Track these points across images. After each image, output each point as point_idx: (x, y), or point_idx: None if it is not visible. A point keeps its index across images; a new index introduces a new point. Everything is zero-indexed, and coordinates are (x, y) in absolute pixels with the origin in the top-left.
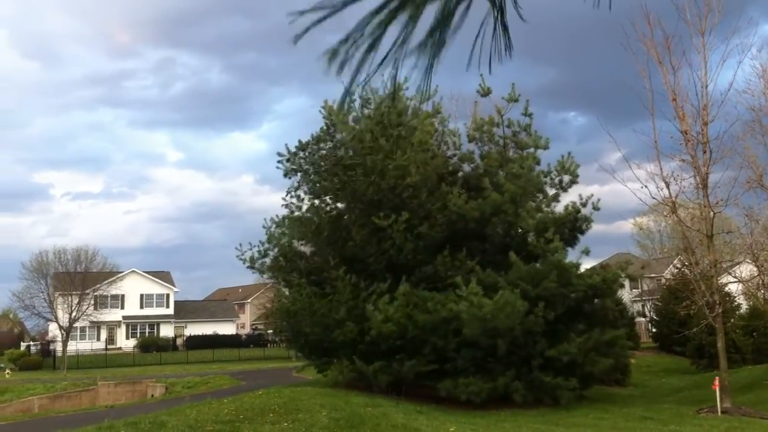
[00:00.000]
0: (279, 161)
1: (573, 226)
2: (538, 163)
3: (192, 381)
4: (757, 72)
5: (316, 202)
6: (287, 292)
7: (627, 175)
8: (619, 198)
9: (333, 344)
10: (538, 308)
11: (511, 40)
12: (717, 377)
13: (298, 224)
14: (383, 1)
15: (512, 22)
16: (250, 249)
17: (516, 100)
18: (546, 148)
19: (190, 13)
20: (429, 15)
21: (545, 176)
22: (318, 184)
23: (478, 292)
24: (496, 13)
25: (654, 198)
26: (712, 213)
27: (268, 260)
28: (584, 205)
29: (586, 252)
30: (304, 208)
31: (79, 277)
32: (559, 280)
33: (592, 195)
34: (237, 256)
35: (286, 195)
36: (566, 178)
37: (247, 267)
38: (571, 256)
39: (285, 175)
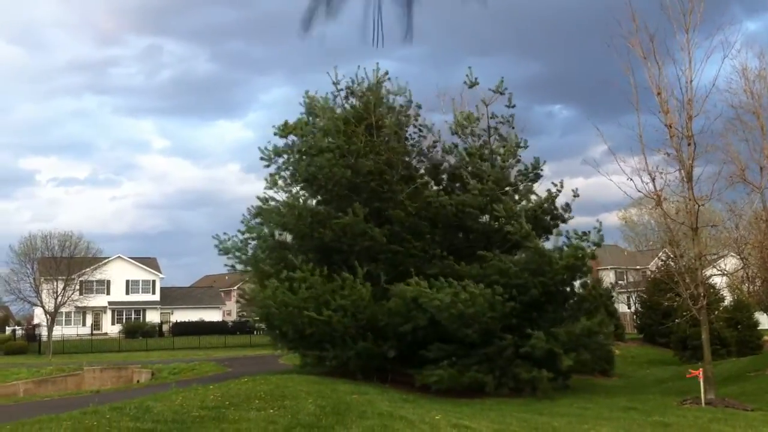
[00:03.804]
0: (274, 133)
1: (552, 214)
2: (517, 160)
3: (178, 367)
4: (737, 70)
5: (295, 190)
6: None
7: (611, 169)
8: (603, 191)
9: (310, 338)
10: (519, 298)
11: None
12: (700, 369)
13: (276, 213)
14: None
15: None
16: (230, 239)
17: (502, 93)
18: (525, 147)
19: (176, 1)
20: None
21: (522, 175)
22: (299, 171)
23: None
24: None
25: (639, 191)
26: (697, 206)
27: (249, 249)
28: (560, 191)
29: (558, 234)
30: (282, 197)
31: (65, 262)
32: (535, 269)
33: (562, 180)
34: (215, 245)
35: (269, 181)
36: (535, 173)
37: (219, 254)
38: (551, 245)
39: (268, 160)
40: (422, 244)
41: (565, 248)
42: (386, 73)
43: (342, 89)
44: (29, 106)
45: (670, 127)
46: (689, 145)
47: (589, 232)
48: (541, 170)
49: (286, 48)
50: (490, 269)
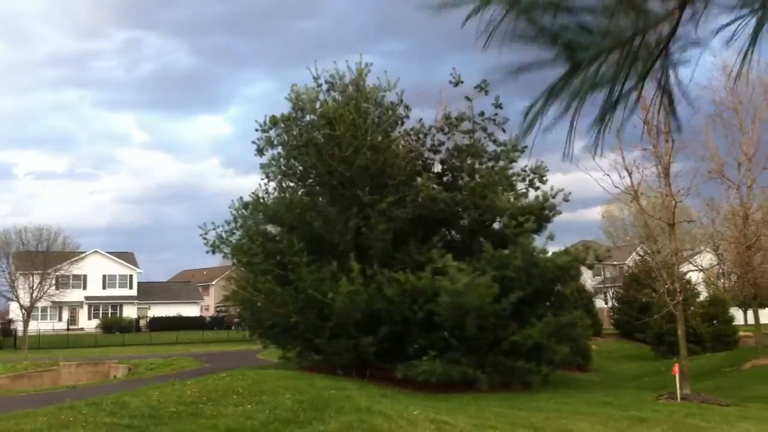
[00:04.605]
0: (257, 129)
1: (540, 214)
2: (514, 161)
3: (155, 362)
4: (718, 67)
5: (287, 183)
6: (248, 280)
7: (590, 164)
8: (582, 187)
9: (294, 331)
10: (511, 293)
11: (680, 121)
12: (676, 364)
13: (265, 206)
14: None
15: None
16: (214, 229)
17: (487, 92)
18: (522, 151)
19: None
20: None
21: (518, 177)
22: (291, 161)
23: (452, 266)
24: (662, 98)
25: (617, 187)
26: (673, 202)
27: (233, 240)
28: (554, 196)
29: (551, 237)
30: (272, 187)
31: (41, 256)
32: (526, 264)
33: (563, 189)
34: (200, 235)
35: (264, 168)
36: (535, 177)
37: (207, 251)
38: (538, 243)
39: (259, 151)
40: (412, 239)
41: (561, 251)
42: (368, 65)
43: (323, 84)
44: (7, 99)
45: (648, 122)
46: (667, 141)
47: (596, 250)
48: (545, 176)
49: (268, 42)
50: (484, 262)
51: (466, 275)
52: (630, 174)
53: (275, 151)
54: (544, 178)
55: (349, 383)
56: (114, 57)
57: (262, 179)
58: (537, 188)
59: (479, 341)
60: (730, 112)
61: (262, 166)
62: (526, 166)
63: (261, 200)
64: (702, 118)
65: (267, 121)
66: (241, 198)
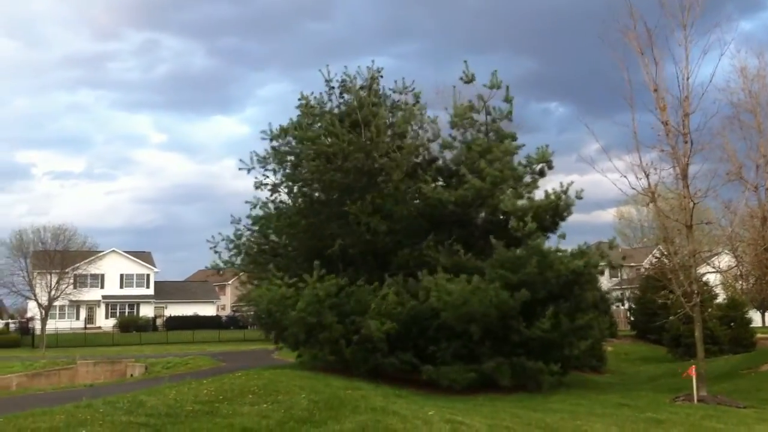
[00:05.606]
0: (264, 137)
1: (554, 212)
2: (516, 151)
3: (172, 361)
4: (736, 69)
5: (291, 189)
6: (261, 285)
7: (606, 166)
8: (598, 188)
9: (314, 338)
10: (520, 294)
11: None
12: (693, 366)
13: (274, 215)
14: None
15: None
16: (224, 240)
17: (498, 87)
18: (514, 139)
19: None
20: None
21: (525, 166)
22: (295, 172)
23: (443, 278)
24: None
25: (633, 188)
26: (691, 203)
27: (243, 250)
28: (565, 192)
29: (563, 236)
30: (282, 197)
31: (59, 255)
32: (539, 266)
33: (573, 182)
34: (211, 248)
35: (261, 186)
36: (543, 165)
37: (212, 267)
38: (552, 242)
39: (259, 161)
40: (421, 241)
41: (575, 254)
42: (380, 69)
43: (335, 87)
44: (25, 100)
45: (666, 124)
46: (685, 142)
47: (608, 255)
48: (551, 161)
49: (282, 44)
50: (495, 262)
51: (464, 284)
52: (647, 175)
53: (275, 165)
54: (551, 163)
55: (364, 383)
56: (131, 58)
57: (260, 190)
58: (544, 175)
59: (493, 341)
60: (747, 114)
61: (258, 185)
62: (530, 155)
63: (268, 210)
64: (719, 120)
65: (274, 131)
66: (254, 198)
